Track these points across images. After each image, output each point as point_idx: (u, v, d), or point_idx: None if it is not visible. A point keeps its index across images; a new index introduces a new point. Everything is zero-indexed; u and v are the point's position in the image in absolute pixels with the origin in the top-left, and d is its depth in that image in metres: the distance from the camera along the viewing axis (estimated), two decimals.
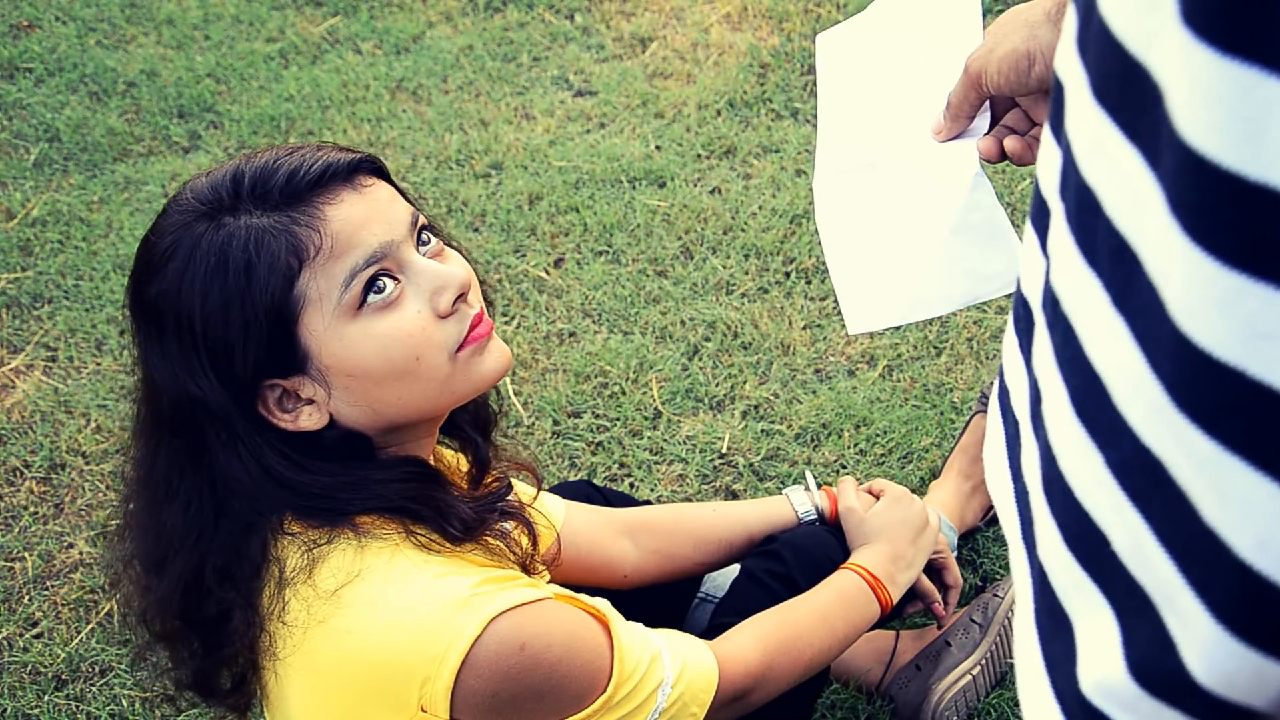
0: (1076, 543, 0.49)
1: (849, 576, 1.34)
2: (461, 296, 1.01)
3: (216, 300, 0.94)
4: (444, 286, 0.99)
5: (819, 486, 1.53)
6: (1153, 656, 0.45)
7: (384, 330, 0.97)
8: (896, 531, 1.41)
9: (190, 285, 0.94)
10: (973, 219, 1.02)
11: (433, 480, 1.05)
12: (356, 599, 0.95)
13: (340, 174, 0.98)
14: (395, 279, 0.98)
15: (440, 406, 1.03)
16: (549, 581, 1.13)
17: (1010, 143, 1.01)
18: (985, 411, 1.77)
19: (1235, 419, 0.39)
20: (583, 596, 1.06)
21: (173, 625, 1.04)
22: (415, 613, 0.94)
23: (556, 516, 1.34)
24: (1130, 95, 0.42)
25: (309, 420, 0.99)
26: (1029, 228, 0.57)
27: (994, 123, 1.05)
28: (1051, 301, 0.50)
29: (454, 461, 1.20)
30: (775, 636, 1.23)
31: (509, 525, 1.10)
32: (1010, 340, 0.60)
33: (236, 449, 0.98)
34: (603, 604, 1.08)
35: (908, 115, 1.09)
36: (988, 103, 1.02)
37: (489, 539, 1.06)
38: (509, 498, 1.12)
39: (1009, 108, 1.05)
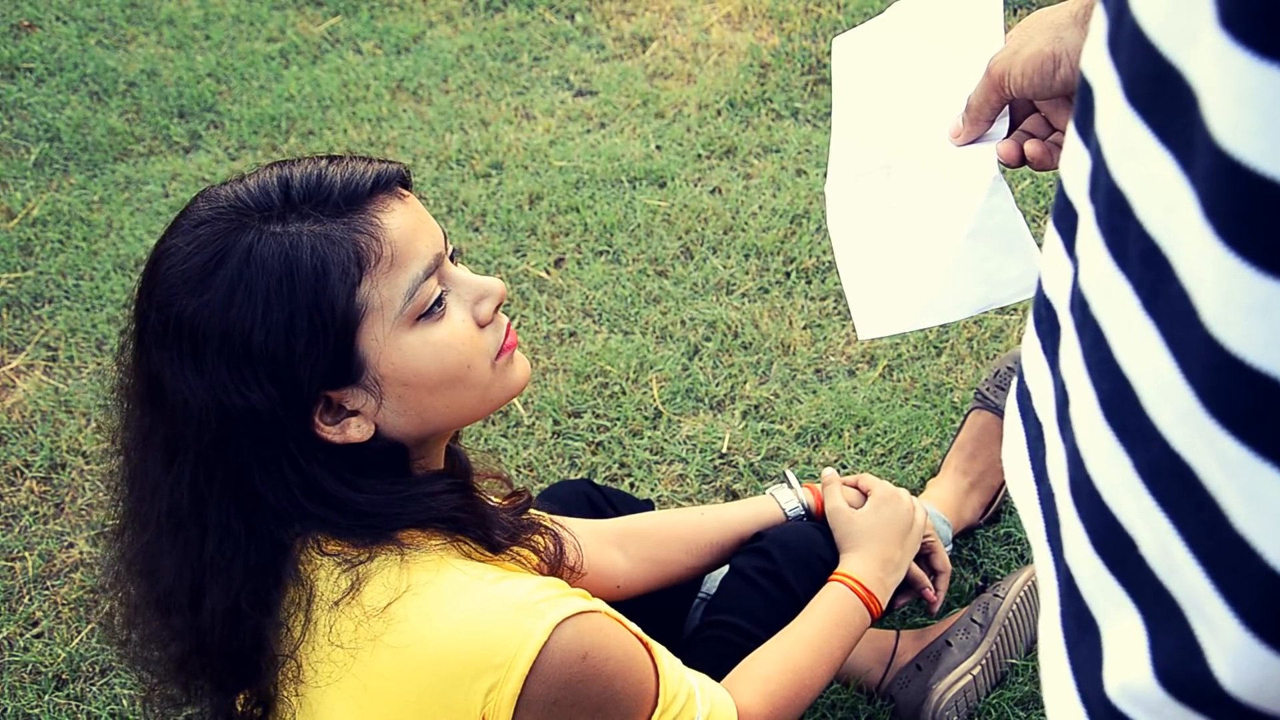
0: (1104, 547, 0.49)
1: (841, 593, 1.33)
2: (497, 306, 1.03)
3: (282, 309, 0.90)
4: (485, 296, 1.02)
5: (801, 483, 1.52)
6: (1180, 662, 0.44)
7: (440, 338, 0.98)
8: (885, 533, 1.40)
9: (247, 295, 0.90)
10: (990, 223, 1.01)
11: (472, 491, 1.05)
12: (410, 613, 0.93)
13: (390, 183, 0.97)
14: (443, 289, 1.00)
15: (478, 414, 1.04)
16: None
17: (1031, 147, 0.99)
18: (982, 408, 1.77)
19: (1266, 424, 0.38)
20: (623, 619, 1.06)
21: (204, 661, 1.00)
22: (478, 619, 0.93)
23: None
24: (1163, 97, 0.42)
25: (357, 431, 0.97)
26: (1052, 229, 0.57)
27: (1013, 127, 1.04)
28: (1080, 304, 0.50)
29: None
30: (780, 689, 1.22)
31: (536, 536, 1.10)
32: (1032, 342, 0.59)
33: (280, 466, 0.94)
34: (640, 632, 1.08)
35: (925, 119, 1.07)
36: (1007, 106, 1.01)
37: (519, 549, 1.06)
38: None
39: (1028, 112, 1.03)
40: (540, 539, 1.10)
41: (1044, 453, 0.57)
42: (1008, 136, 1.03)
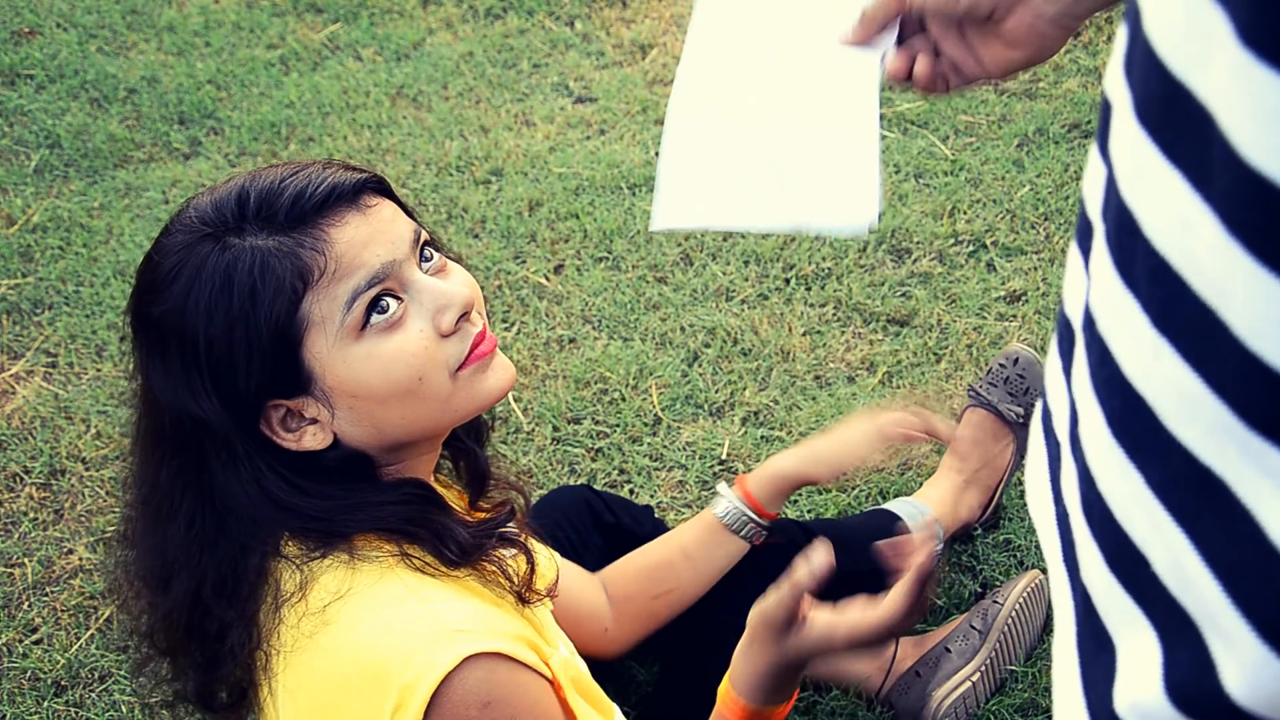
0: (1118, 564, 0.48)
1: None
2: (464, 315, 1.00)
3: (221, 323, 0.93)
4: (447, 305, 0.99)
5: (731, 485, 1.47)
6: (1191, 678, 0.44)
7: (387, 351, 0.96)
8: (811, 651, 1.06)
9: (195, 307, 0.94)
10: (849, 137, 0.95)
11: (432, 503, 1.04)
12: (342, 616, 0.94)
13: (345, 195, 0.97)
14: (398, 298, 0.97)
15: (443, 425, 1.03)
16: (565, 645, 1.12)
17: (920, 64, 0.98)
18: (976, 406, 1.78)
19: None
20: (599, 692, 1.04)
21: (177, 640, 1.04)
22: (395, 635, 0.93)
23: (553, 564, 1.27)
24: (1172, 116, 0.42)
25: (313, 440, 0.98)
26: (1074, 247, 0.57)
27: (900, 45, 1.01)
28: (1089, 322, 0.50)
29: (452, 496, 1.18)
30: None
31: (508, 552, 1.07)
32: (1054, 361, 0.59)
33: (237, 470, 0.97)
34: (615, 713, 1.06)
35: (799, 46, 1.01)
36: (898, 21, 1.00)
37: (485, 565, 1.03)
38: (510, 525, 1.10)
39: (916, 31, 1.01)
40: (507, 557, 1.07)
41: (1060, 473, 0.57)
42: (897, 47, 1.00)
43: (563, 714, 1.01)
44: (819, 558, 1.01)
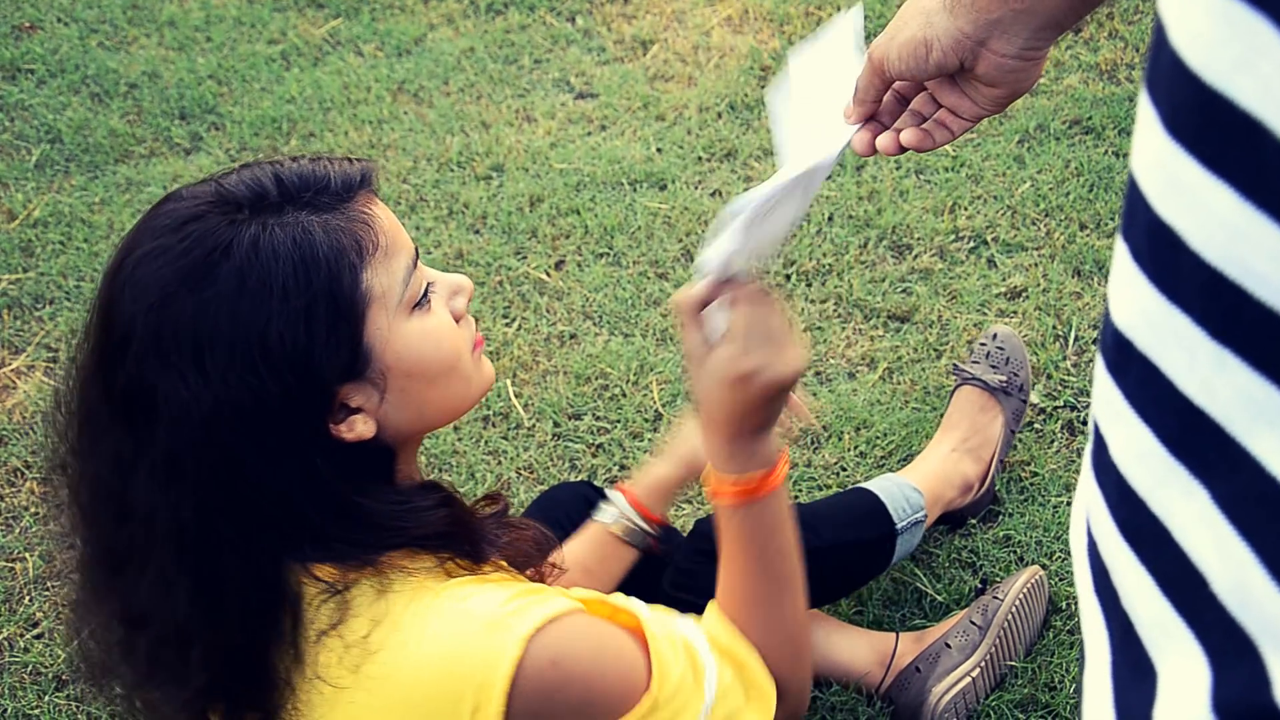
0: (1171, 586, 0.47)
1: (723, 515, 1.09)
2: (468, 301, 1.05)
3: (299, 297, 0.88)
4: (459, 290, 1.03)
5: (612, 487, 1.43)
6: (1240, 696, 0.44)
7: (434, 327, 0.98)
8: (712, 396, 1.03)
9: (260, 286, 0.87)
10: (806, 176, 1.03)
11: (460, 504, 1.03)
12: (388, 642, 0.91)
13: (372, 181, 0.99)
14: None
15: (462, 408, 1.03)
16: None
17: (907, 134, 1.03)
18: (961, 383, 1.83)
19: None
20: (612, 599, 1.03)
21: (225, 687, 0.96)
22: (450, 641, 0.91)
23: None
24: (1210, 128, 0.41)
25: (364, 427, 0.94)
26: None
27: (904, 105, 1.06)
28: (1117, 344, 0.48)
29: None
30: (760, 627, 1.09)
31: (518, 539, 1.09)
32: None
33: (288, 469, 0.90)
34: (636, 605, 1.04)
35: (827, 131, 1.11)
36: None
37: (503, 561, 1.05)
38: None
39: (919, 91, 1.06)
40: (523, 542, 1.08)
41: (1089, 502, 0.56)
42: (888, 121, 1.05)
43: (609, 621, 1.01)
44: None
